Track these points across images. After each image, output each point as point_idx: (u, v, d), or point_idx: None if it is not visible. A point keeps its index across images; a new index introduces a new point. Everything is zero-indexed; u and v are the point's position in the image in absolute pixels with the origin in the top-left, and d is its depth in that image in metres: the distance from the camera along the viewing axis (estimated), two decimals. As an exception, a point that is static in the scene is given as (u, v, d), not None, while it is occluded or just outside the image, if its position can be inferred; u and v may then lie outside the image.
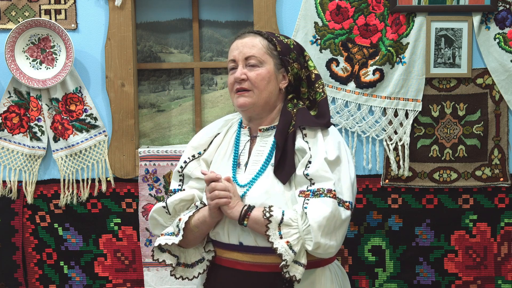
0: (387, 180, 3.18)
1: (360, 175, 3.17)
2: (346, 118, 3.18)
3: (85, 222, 3.25)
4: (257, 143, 2.40)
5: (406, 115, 3.16)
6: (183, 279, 2.42)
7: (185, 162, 2.47)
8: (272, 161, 2.34)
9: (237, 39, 2.42)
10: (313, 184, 2.25)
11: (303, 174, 2.26)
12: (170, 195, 2.45)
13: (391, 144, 3.17)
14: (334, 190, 2.22)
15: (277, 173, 2.31)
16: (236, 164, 2.39)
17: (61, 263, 3.28)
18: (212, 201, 2.27)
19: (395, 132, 3.17)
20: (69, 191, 3.23)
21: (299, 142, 2.32)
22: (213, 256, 2.39)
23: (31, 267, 3.28)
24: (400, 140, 3.17)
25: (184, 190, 2.45)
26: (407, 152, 3.16)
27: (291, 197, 2.28)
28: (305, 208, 2.20)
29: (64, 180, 3.23)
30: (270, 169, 2.33)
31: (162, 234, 2.40)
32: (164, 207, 2.42)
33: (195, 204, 2.40)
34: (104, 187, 3.24)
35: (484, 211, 3.18)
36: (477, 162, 3.17)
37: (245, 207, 2.26)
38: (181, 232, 2.33)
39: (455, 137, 3.17)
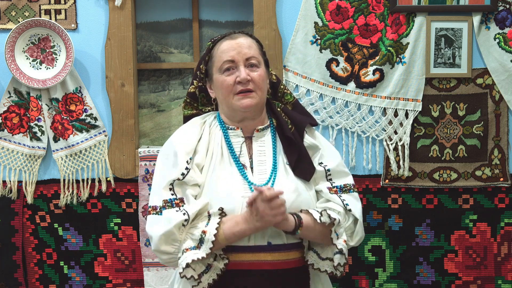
0: (387, 180, 3.18)
1: (360, 175, 3.18)
2: (346, 118, 3.18)
3: (85, 222, 3.25)
4: (254, 143, 2.39)
5: (406, 115, 3.16)
6: None
7: (187, 169, 2.29)
8: (282, 159, 2.34)
9: (226, 40, 2.35)
10: (331, 179, 2.33)
11: (325, 169, 2.33)
12: (169, 205, 2.27)
13: (391, 144, 3.17)
14: (355, 185, 2.36)
15: (297, 171, 2.32)
16: (241, 167, 2.34)
17: (61, 263, 3.28)
18: (278, 217, 2.16)
19: (395, 132, 3.17)
20: (69, 191, 3.23)
21: (308, 139, 2.37)
22: (226, 263, 2.24)
23: (31, 267, 3.28)
24: (400, 140, 3.17)
25: (182, 199, 2.29)
26: (407, 152, 3.16)
27: (313, 194, 2.33)
28: (347, 205, 2.29)
29: (64, 180, 3.23)
30: (282, 167, 2.33)
31: (187, 249, 2.23)
32: (186, 220, 2.23)
33: (207, 213, 2.26)
34: (104, 187, 3.23)
35: (484, 211, 3.18)
36: (477, 162, 3.17)
37: (296, 216, 2.22)
38: (209, 245, 2.18)
39: (455, 137, 3.17)
